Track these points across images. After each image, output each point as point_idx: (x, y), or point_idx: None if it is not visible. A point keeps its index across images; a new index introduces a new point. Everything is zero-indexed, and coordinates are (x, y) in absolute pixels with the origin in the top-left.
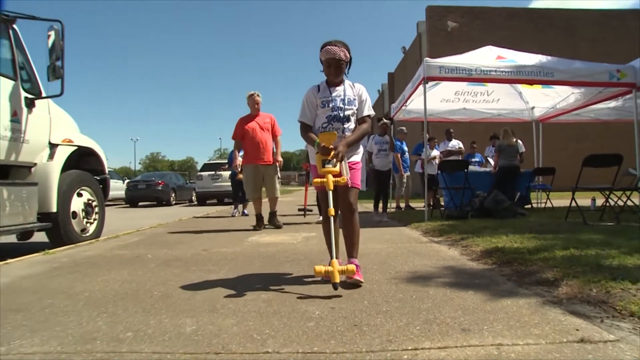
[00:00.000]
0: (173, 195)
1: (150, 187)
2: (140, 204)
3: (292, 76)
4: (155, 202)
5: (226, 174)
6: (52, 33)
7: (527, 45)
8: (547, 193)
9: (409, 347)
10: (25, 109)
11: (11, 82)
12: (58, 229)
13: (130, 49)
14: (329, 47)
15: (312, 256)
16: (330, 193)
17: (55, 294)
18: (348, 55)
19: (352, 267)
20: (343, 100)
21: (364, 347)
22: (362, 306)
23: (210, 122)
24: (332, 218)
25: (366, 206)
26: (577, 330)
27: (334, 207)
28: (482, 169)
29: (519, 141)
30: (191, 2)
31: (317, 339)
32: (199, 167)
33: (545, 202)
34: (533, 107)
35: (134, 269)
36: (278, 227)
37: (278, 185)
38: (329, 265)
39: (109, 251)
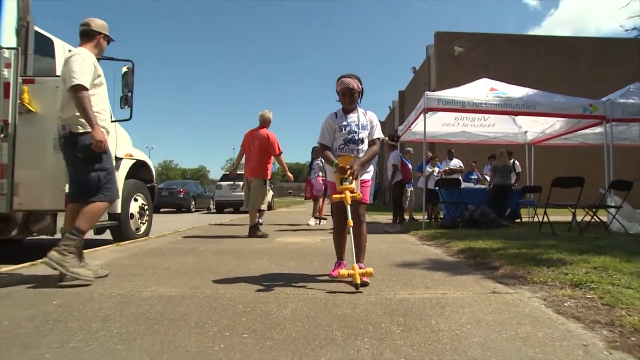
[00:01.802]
0: (193, 202)
1: (173, 195)
2: (161, 210)
3: (308, 91)
4: (175, 209)
5: (241, 183)
6: (125, 69)
7: (529, 69)
8: (535, 209)
9: (391, 293)
10: None
11: None
12: (120, 227)
13: (146, 59)
14: (343, 79)
15: (330, 251)
16: (349, 207)
17: (152, 268)
18: (360, 86)
19: (370, 269)
20: (357, 125)
21: (365, 292)
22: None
23: (223, 131)
24: (350, 228)
25: (374, 217)
26: (495, 289)
27: (347, 218)
28: (478, 186)
29: (516, 162)
30: (208, 12)
31: (337, 290)
32: (210, 175)
33: (534, 217)
34: (526, 132)
35: (196, 256)
36: (262, 237)
37: (261, 199)
38: (344, 269)
39: (166, 245)
